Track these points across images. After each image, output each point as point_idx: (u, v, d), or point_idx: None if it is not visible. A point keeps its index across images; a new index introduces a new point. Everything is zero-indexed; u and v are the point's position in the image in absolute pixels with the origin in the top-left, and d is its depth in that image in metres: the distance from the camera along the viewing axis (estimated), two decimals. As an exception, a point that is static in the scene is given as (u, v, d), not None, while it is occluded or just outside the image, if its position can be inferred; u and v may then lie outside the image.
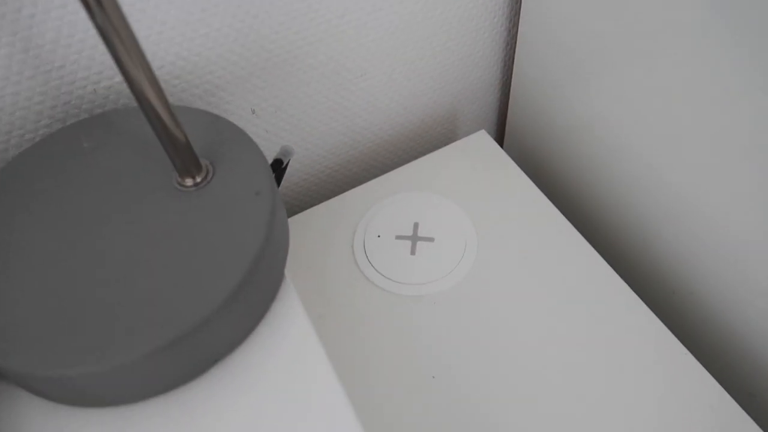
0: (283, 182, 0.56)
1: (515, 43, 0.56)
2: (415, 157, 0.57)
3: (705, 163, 0.41)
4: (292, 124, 0.51)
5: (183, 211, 0.31)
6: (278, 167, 0.39)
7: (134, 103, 0.41)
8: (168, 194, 0.32)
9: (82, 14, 0.36)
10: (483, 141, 0.58)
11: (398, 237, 0.51)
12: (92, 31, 0.37)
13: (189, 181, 0.32)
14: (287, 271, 0.34)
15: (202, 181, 0.32)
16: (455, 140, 0.58)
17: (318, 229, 0.52)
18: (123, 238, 0.31)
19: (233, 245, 0.30)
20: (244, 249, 0.29)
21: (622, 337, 0.45)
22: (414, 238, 0.51)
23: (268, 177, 0.33)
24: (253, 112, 0.48)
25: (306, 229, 0.52)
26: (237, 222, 0.31)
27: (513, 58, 0.57)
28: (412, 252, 0.50)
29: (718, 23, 0.35)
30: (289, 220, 0.52)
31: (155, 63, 0.40)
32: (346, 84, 0.51)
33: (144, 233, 0.31)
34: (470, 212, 0.52)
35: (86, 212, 0.32)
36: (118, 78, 0.40)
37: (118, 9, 0.23)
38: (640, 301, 0.47)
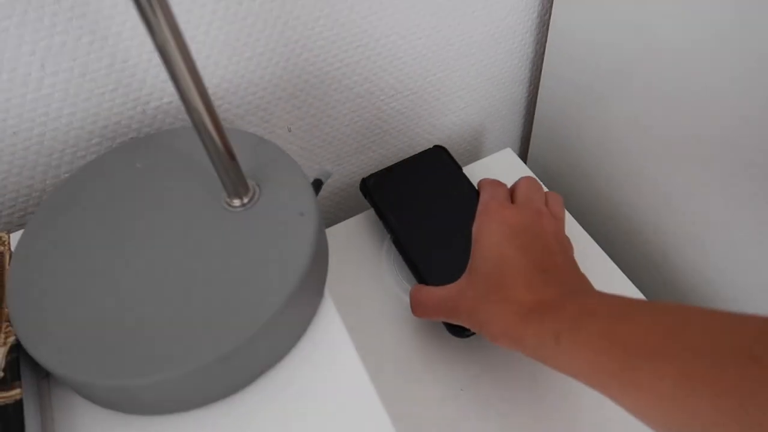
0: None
1: (542, 63, 0.57)
2: (443, 174, 0.58)
3: (732, 183, 0.42)
4: (326, 141, 0.53)
5: (232, 231, 0.33)
6: (317, 187, 0.41)
7: (180, 124, 0.43)
8: (217, 214, 0.34)
9: (136, 41, 0.38)
10: (508, 158, 0.60)
11: (426, 252, 0.52)
12: (144, 56, 0.39)
13: (237, 202, 0.34)
14: (323, 285, 0.36)
15: (249, 201, 0.34)
16: (481, 158, 0.59)
17: (348, 242, 0.54)
18: (175, 256, 0.32)
19: (280, 264, 0.31)
20: (291, 267, 0.31)
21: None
22: (442, 253, 0.52)
23: (312, 198, 0.34)
24: (289, 130, 0.50)
25: (337, 242, 0.54)
26: (283, 241, 0.32)
27: (539, 78, 0.59)
28: (440, 267, 0.51)
29: (750, 44, 0.36)
30: (321, 233, 0.54)
31: (201, 85, 0.42)
32: (378, 103, 0.53)
33: (195, 251, 0.32)
34: (496, 229, 0.54)
35: (140, 230, 0.34)
36: (166, 99, 0.42)
37: (177, 30, 0.24)
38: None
